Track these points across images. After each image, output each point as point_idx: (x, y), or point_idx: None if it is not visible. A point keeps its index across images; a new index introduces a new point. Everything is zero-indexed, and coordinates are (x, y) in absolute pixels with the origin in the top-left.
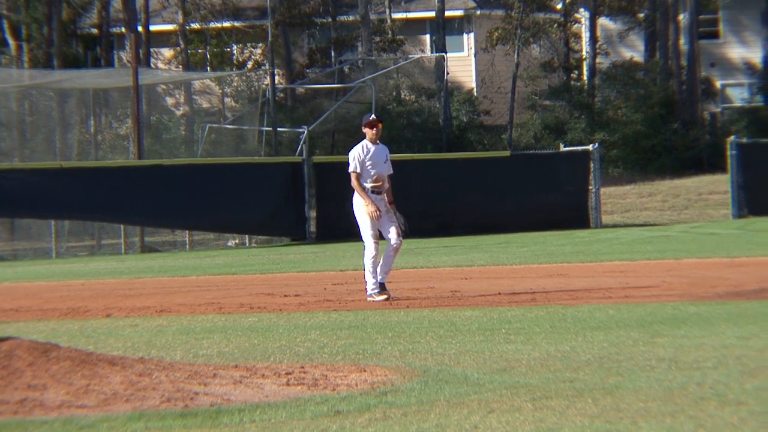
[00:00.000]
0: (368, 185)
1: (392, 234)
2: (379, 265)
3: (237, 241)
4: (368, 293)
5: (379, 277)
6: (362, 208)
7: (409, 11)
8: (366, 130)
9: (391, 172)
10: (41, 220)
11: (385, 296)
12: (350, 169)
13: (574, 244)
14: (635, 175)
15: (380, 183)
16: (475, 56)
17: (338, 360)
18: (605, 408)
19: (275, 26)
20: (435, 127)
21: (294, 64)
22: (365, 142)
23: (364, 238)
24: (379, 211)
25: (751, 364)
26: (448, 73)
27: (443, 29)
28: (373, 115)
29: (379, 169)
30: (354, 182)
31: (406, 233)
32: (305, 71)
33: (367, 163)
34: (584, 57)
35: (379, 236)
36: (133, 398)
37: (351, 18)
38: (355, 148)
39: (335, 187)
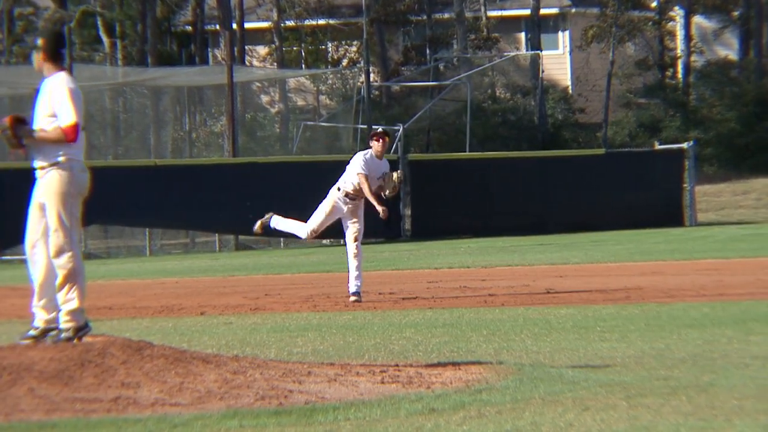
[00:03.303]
0: (349, 190)
1: (351, 237)
2: (351, 276)
3: (331, 238)
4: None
5: (353, 288)
6: (329, 205)
7: (504, 9)
8: (372, 142)
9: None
10: (134, 226)
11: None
12: (358, 171)
13: (668, 242)
14: (730, 173)
15: (360, 194)
16: (570, 54)
17: (433, 358)
18: (700, 406)
19: (370, 24)
20: (530, 125)
21: (389, 61)
22: (371, 154)
23: (309, 221)
24: (347, 207)
25: None
26: (543, 71)
27: (538, 27)
28: (380, 128)
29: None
30: (363, 182)
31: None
32: (400, 69)
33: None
34: (679, 55)
35: (320, 235)
36: (227, 396)
37: (446, 16)
38: (361, 153)
39: (431, 185)
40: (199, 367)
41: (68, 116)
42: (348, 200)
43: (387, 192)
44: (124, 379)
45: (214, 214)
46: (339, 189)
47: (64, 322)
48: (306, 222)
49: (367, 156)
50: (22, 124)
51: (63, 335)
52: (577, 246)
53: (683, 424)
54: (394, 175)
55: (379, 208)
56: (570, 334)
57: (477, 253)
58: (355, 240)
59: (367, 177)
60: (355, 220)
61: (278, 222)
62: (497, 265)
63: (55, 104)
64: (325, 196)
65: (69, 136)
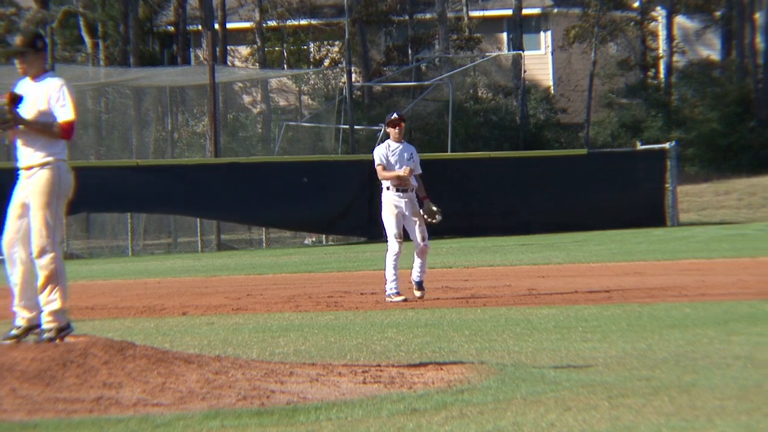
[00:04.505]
0: (394, 182)
1: (417, 236)
2: (415, 265)
3: (313, 239)
4: (387, 293)
5: (415, 277)
6: (388, 208)
7: (486, 9)
8: (389, 129)
9: (419, 171)
10: (117, 213)
11: (402, 297)
12: (376, 163)
13: (650, 243)
14: (711, 173)
15: (405, 182)
16: (552, 54)
17: (415, 358)
18: (681, 406)
19: (352, 24)
20: (512, 125)
21: (371, 62)
22: (389, 141)
23: (388, 237)
24: (403, 201)
25: None
26: (525, 71)
27: (520, 27)
28: (395, 114)
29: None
30: (381, 174)
31: (440, 223)
32: (382, 69)
33: (392, 161)
34: (661, 55)
35: (404, 236)
36: (209, 396)
37: (428, 16)
38: (378, 146)
39: None
40: (181, 367)
41: (67, 113)
42: (402, 194)
43: (432, 220)
44: (106, 380)
45: (200, 213)
46: (388, 188)
47: (46, 323)
48: (388, 244)
49: (384, 147)
50: (18, 101)
51: (45, 335)
52: (559, 246)
53: (665, 425)
54: (432, 210)
55: (400, 172)
56: (552, 334)
57: (459, 253)
58: (423, 240)
59: (384, 167)
60: (416, 219)
61: (389, 275)
62: (479, 266)
63: (51, 101)
64: (380, 208)
65: (65, 133)
